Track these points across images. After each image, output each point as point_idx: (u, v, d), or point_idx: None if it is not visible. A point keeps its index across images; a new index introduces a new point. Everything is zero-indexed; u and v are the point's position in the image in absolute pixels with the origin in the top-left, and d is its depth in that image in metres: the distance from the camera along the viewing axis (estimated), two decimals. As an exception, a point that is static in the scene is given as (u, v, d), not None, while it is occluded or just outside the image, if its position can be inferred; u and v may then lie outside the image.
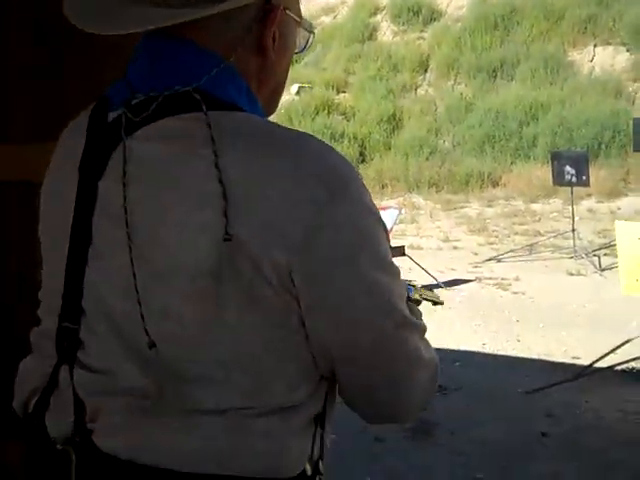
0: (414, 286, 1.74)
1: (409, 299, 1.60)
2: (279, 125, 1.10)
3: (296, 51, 1.26)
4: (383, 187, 16.28)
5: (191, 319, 1.05)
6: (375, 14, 23.40)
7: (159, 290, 1.06)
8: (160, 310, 1.06)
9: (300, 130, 1.12)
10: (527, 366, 6.51)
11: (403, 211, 14.45)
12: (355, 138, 18.52)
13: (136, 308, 1.06)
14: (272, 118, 1.22)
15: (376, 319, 1.10)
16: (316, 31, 1.34)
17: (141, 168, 1.07)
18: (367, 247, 1.08)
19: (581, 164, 10.91)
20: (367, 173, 16.35)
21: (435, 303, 1.88)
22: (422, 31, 21.92)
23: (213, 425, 1.07)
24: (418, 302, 1.70)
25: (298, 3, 1.23)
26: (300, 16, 1.22)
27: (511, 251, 11.36)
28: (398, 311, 1.13)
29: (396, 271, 1.13)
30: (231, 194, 1.01)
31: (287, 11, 1.17)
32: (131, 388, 1.09)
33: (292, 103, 19.61)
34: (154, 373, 1.07)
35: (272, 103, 1.25)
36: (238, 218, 1.01)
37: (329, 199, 1.03)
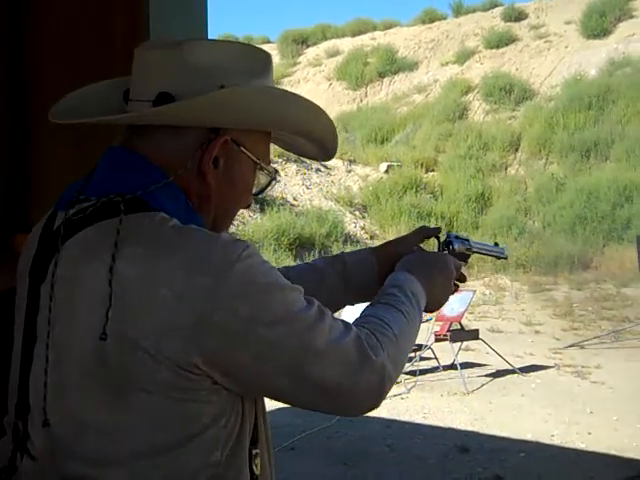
0: (467, 239, 1.75)
1: (452, 252, 1.70)
2: (182, 227, 1.20)
3: (254, 191, 1.37)
4: (469, 267, 15.91)
5: (80, 409, 1.20)
6: (467, 93, 23.43)
7: (63, 387, 1.21)
8: (58, 398, 1.22)
9: (192, 228, 1.21)
10: (594, 461, 6.14)
11: (488, 292, 14.15)
12: (442, 217, 18.30)
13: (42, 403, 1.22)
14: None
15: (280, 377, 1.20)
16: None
17: (65, 271, 1.23)
18: (261, 317, 1.16)
19: (669, 249, 10.40)
20: (453, 252, 16.00)
21: (498, 258, 1.90)
22: (514, 110, 21.80)
23: None
24: (465, 256, 1.72)
25: (262, 147, 1.35)
26: (263, 159, 1.34)
27: (595, 337, 10.83)
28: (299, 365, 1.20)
29: (302, 317, 1.19)
30: (124, 295, 1.15)
31: (242, 148, 1.30)
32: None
33: (380, 182, 19.56)
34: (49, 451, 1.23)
35: (217, 225, 1.33)
36: (130, 317, 1.15)
37: (213, 286, 1.15)
